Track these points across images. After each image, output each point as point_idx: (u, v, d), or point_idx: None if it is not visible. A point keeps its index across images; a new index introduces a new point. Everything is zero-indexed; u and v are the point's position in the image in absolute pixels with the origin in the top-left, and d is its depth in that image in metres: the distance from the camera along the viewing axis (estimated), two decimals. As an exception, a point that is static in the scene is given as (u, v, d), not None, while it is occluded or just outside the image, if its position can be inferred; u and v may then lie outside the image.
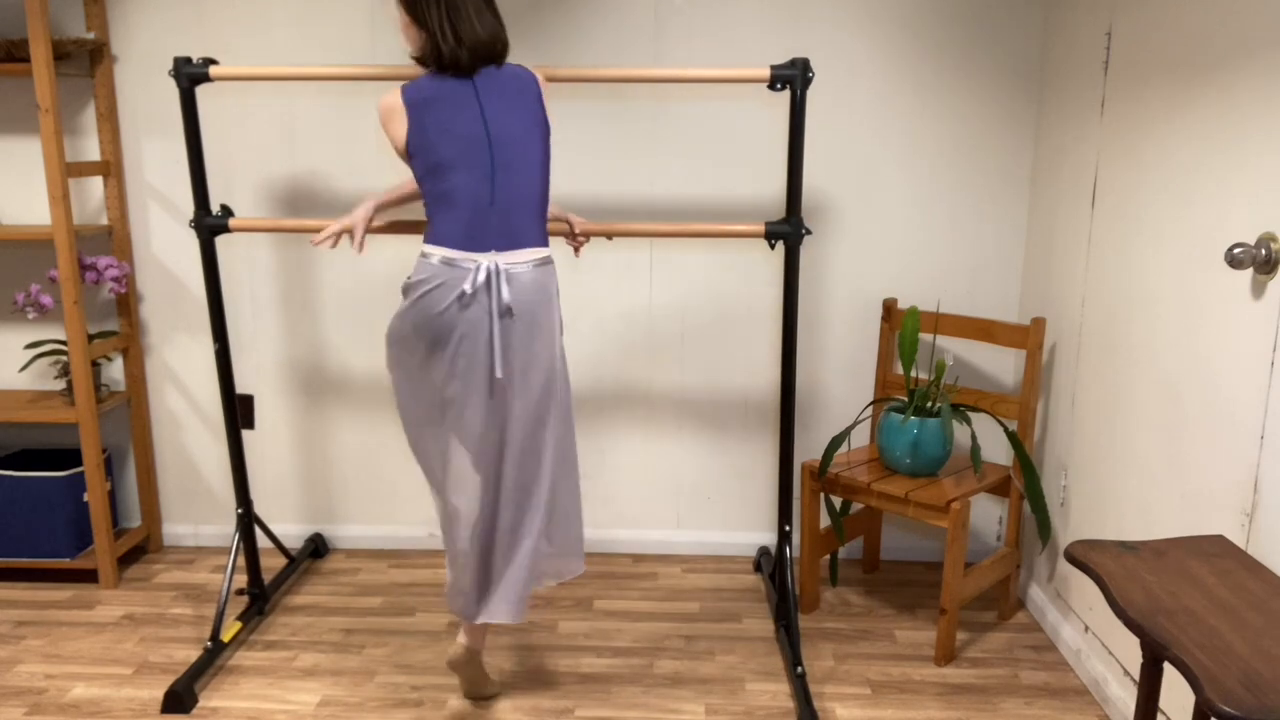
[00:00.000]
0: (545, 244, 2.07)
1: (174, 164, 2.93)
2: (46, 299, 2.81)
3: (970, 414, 2.72)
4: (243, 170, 2.93)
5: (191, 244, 2.97)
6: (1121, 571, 1.54)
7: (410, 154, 2.04)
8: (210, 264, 2.47)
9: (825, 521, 3.01)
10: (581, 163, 2.89)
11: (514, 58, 2.83)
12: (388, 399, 3.07)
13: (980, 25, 2.78)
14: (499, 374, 2.01)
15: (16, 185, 2.96)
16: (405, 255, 2.96)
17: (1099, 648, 2.38)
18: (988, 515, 3.10)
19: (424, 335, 2.03)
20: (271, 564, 3.01)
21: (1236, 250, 1.72)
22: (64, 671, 2.46)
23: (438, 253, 2.01)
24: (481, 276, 1.99)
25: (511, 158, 2.02)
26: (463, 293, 1.99)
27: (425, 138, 2.01)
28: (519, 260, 2.02)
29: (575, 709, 2.32)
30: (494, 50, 2.02)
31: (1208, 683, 1.24)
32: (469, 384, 2.04)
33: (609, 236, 2.35)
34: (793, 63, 2.23)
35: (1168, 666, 1.95)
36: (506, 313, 2.01)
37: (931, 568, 3.09)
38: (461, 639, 2.22)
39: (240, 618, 2.64)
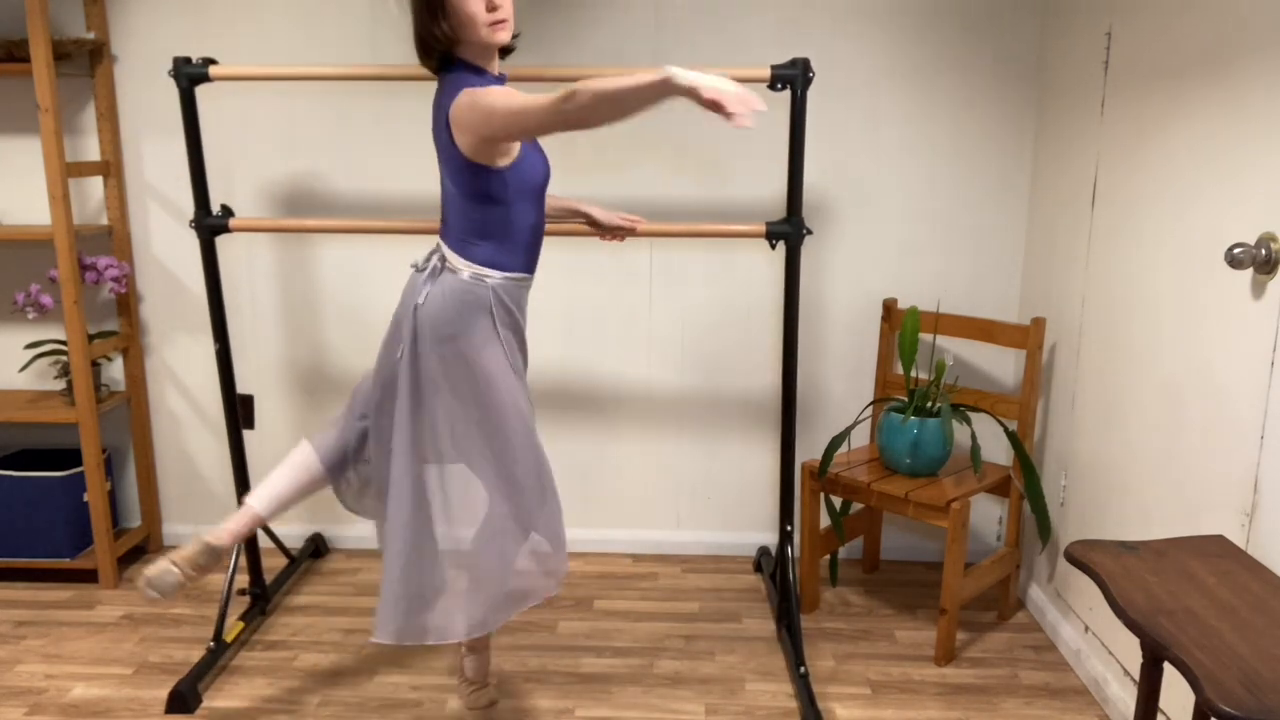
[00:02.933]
0: None
1: (174, 164, 2.93)
2: (46, 299, 2.81)
3: (970, 414, 2.72)
4: (243, 170, 2.93)
5: (192, 244, 2.97)
6: (1121, 571, 1.54)
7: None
8: (210, 264, 2.47)
9: (825, 521, 3.01)
10: (580, 163, 2.88)
11: (514, 58, 2.82)
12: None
13: (980, 26, 2.78)
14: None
15: (16, 185, 2.96)
16: (402, 257, 2.95)
17: (1099, 648, 2.38)
18: (988, 515, 3.10)
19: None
20: (272, 564, 3.00)
21: (1236, 250, 1.72)
22: (64, 671, 2.46)
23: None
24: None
25: None
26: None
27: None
28: None
29: (575, 709, 2.32)
30: None
31: (1208, 683, 1.24)
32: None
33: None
34: (793, 62, 2.23)
35: (1168, 666, 1.95)
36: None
37: (931, 568, 3.09)
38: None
39: (242, 618, 2.64)
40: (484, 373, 1.97)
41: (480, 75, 1.92)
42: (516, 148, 1.91)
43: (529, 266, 2.05)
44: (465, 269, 1.97)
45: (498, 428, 1.98)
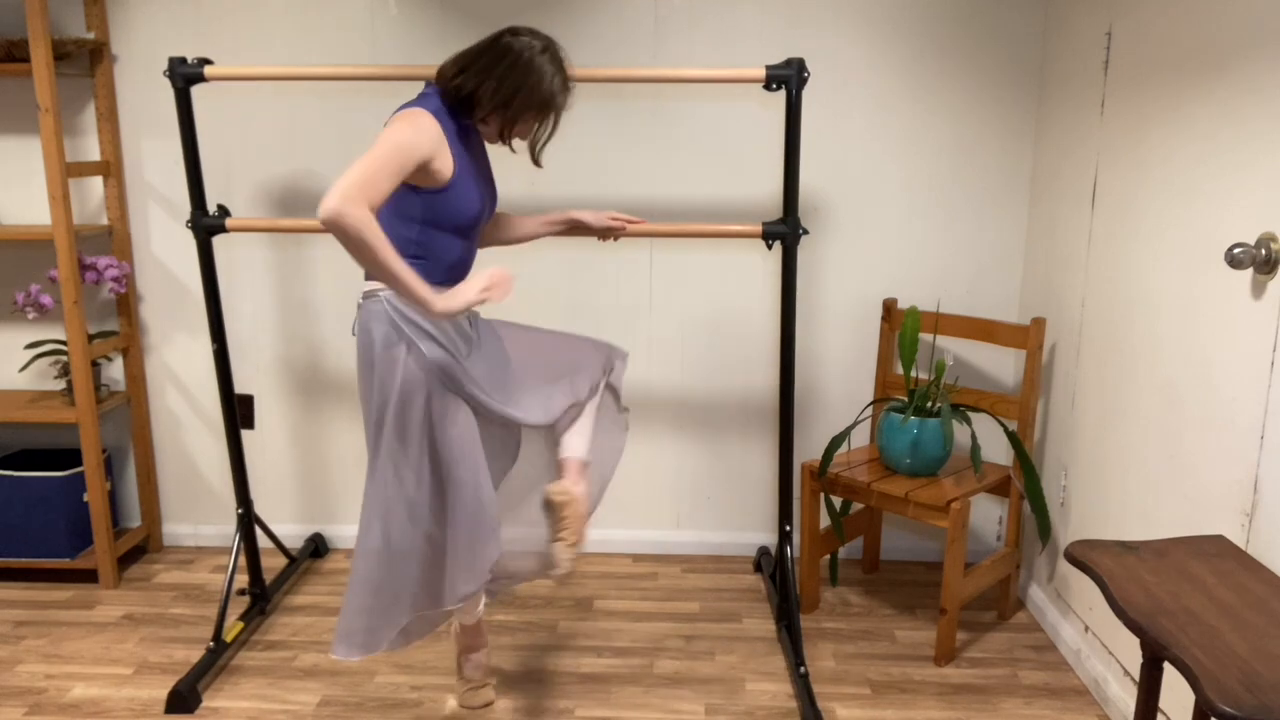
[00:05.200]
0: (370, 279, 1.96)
1: (174, 164, 2.93)
2: (46, 299, 2.81)
3: (970, 414, 2.72)
4: (242, 170, 2.93)
5: (192, 244, 2.97)
6: (1121, 571, 1.54)
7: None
8: (208, 264, 2.47)
9: (825, 521, 3.01)
10: (580, 163, 2.88)
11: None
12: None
13: (980, 25, 2.78)
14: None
15: (16, 185, 2.96)
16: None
17: (1099, 648, 2.38)
18: (988, 515, 3.10)
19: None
20: (271, 564, 3.00)
21: (1236, 250, 1.72)
22: (64, 671, 2.46)
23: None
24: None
25: None
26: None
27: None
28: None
29: (575, 709, 2.32)
30: None
31: (1208, 683, 1.24)
32: None
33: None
34: (788, 63, 2.23)
35: (1168, 666, 1.95)
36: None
37: (931, 568, 3.09)
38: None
39: (242, 618, 2.64)
40: (381, 382, 1.93)
41: (455, 118, 1.91)
42: (446, 175, 1.86)
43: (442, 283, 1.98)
44: (366, 286, 1.94)
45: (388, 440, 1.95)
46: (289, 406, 3.09)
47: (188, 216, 2.94)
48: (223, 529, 3.19)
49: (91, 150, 2.92)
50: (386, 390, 1.93)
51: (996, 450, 3.02)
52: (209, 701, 2.34)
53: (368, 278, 1.96)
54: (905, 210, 2.90)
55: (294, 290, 3.01)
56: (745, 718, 2.29)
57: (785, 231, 2.33)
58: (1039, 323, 2.58)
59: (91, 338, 2.87)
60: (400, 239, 1.93)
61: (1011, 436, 2.58)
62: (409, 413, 1.93)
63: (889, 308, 2.87)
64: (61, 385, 3.02)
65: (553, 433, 2.20)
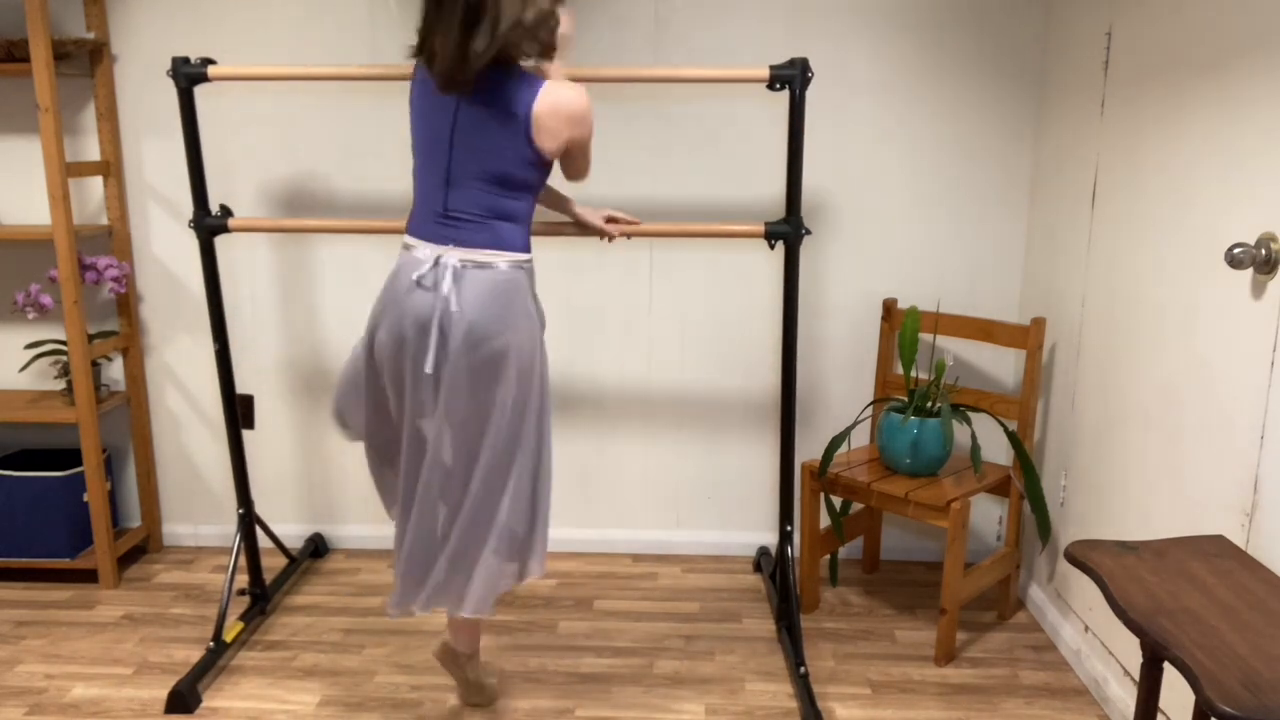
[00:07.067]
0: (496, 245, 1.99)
1: (174, 164, 2.93)
2: (46, 299, 2.81)
3: (970, 414, 2.72)
4: (243, 170, 2.93)
5: (191, 244, 2.97)
6: (1121, 571, 1.54)
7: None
8: (210, 264, 2.47)
9: (825, 521, 3.01)
10: (581, 163, 2.88)
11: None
12: (388, 399, 3.06)
13: (980, 25, 2.78)
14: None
15: (16, 185, 2.96)
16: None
17: (1099, 648, 2.38)
18: (988, 515, 3.10)
19: None
20: (271, 564, 3.01)
21: (1236, 250, 1.72)
22: (64, 671, 2.46)
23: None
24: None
25: None
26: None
27: None
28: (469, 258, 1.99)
29: (575, 709, 2.32)
30: None
31: (1208, 683, 1.24)
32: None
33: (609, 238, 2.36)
34: (792, 62, 2.23)
35: (1168, 666, 1.95)
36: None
37: (931, 568, 3.09)
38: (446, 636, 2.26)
39: (242, 618, 2.64)
40: (529, 368, 2.02)
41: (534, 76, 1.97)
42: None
43: None
44: (500, 259, 1.97)
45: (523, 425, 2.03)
46: (289, 407, 3.09)
47: (188, 216, 2.94)
48: (223, 529, 3.19)
49: (91, 150, 2.92)
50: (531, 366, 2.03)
51: (996, 450, 3.02)
52: (209, 701, 2.34)
53: (494, 245, 1.97)
54: (905, 210, 2.90)
55: (294, 290, 3.01)
56: (745, 718, 2.29)
57: (788, 231, 2.33)
58: (1039, 323, 2.58)
59: (91, 338, 2.87)
60: (514, 210, 2.00)
61: (1011, 436, 2.58)
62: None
63: (889, 307, 2.87)
64: (61, 385, 3.02)
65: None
